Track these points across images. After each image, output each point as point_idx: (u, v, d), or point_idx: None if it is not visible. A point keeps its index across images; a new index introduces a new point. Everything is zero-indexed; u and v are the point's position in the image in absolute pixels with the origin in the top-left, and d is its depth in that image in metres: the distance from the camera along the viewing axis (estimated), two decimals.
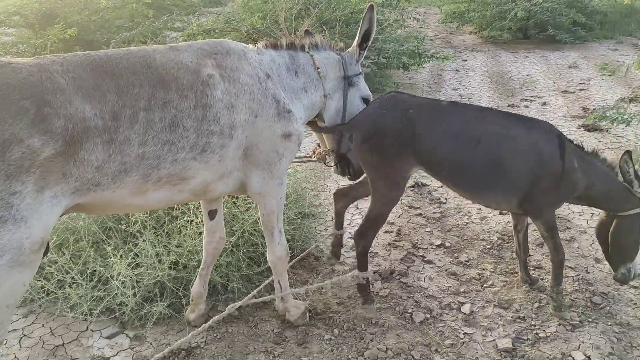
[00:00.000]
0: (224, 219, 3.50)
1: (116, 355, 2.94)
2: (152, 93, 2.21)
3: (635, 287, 3.41)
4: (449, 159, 2.91)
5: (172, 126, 2.25)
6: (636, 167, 2.95)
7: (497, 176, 2.90)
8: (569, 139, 2.98)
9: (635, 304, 3.25)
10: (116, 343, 3.03)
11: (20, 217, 1.89)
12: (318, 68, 2.91)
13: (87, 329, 3.11)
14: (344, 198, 3.49)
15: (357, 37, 3.00)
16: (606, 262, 3.63)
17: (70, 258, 3.24)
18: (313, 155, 3.34)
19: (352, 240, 3.45)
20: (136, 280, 3.16)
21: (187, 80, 2.33)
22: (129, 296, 3.10)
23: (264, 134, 2.57)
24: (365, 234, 3.06)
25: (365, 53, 3.07)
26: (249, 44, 2.80)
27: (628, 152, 2.83)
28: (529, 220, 3.30)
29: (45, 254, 2.10)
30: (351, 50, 3.08)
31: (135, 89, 2.17)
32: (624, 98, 7.48)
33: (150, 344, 3.01)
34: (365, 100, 3.13)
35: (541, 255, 3.79)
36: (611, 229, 3.01)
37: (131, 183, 2.21)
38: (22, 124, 1.88)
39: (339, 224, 3.55)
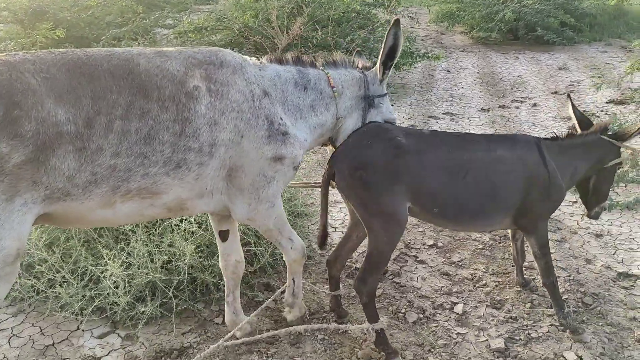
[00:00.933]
0: None
1: (107, 355, 2.91)
2: (131, 101, 2.07)
3: (625, 288, 3.44)
4: (442, 192, 2.73)
5: (147, 139, 2.11)
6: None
7: (490, 201, 2.81)
8: (543, 139, 3.01)
9: (626, 304, 3.27)
10: (107, 343, 3.00)
11: None
12: (333, 87, 2.71)
13: (78, 329, 3.08)
14: (336, 263, 3.14)
15: (380, 55, 2.77)
16: (597, 263, 3.68)
17: (60, 257, 3.21)
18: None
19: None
20: (128, 280, 3.13)
21: (170, 90, 2.18)
22: (121, 296, 3.07)
23: (249, 155, 2.39)
24: (367, 280, 2.72)
25: (390, 73, 2.86)
26: (252, 57, 2.65)
27: (603, 127, 3.06)
28: None
29: None
30: (375, 69, 2.86)
31: (113, 95, 2.04)
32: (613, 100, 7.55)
33: (142, 343, 2.98)
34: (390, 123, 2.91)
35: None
36: (592, 181, 3.15)
37: (100, 195, 2.09)
38: None
39: (335, 286, 3.17)
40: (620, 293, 3.39)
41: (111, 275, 3.11)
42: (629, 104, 7.34)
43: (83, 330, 3.07)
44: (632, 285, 3.47)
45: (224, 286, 3.25)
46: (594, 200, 3.19)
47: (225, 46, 7.73)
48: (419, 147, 2.72)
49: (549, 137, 3.07)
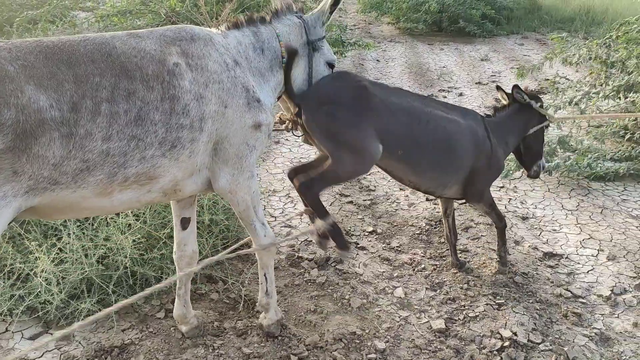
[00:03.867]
0: (156, 210, 3.37)
1: (41, 356, 2.76)
2: (115, 83, 2.02)
3: (551, 267, 3.67)
4: (406, 133, 2.95)
5: (138, 120, 2.06)
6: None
7: (448, 155, 3.11)
8: (483, 116, 3.40)
9: (552, 282, 3.49)
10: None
11: None
12: (283, 57, 2.69)
13: (7, 330, 2.89)
14: (301, 176, 3.04)
15: None
16: (525, 244, 3.90)
17: None
18: (283, 125, 3.01)
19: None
20: (61, 277, 2.97)
21: (152, 70, 2.14)
22: (54, 294, 2.91)
23: (234, 125, 2.40)
24: (313, 186, 2.80)
25: (332, 16, 2.84)
26: (212, 28, 2.59)
27: (516, 86, 3.42)
28: (455, 205, 3.59)
29: None
30: (317, 12, 2.84)
31: (95, 78, 1.98)
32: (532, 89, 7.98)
33: (79, 342, 2.85)
34: (331, 64, 2.91)
35: (467, 240, 3.98)
36: (522, 144, 3.50)
37: (95, 183, 2.03)
38: None
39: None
40: (546, 272, 3.62)
41: (42, 272, 2.93)
42: (545, 93, 7.80)
43: (12, 332, 2.88)
44: (556, 264, 3.71)
45: (164, 279, 3.16)
46: (529, 160, 3.53)
47: None
48: (385, 94, 2.94)
49: (486, 114, 3.49)
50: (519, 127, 3.44)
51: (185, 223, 2.75)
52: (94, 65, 2.01)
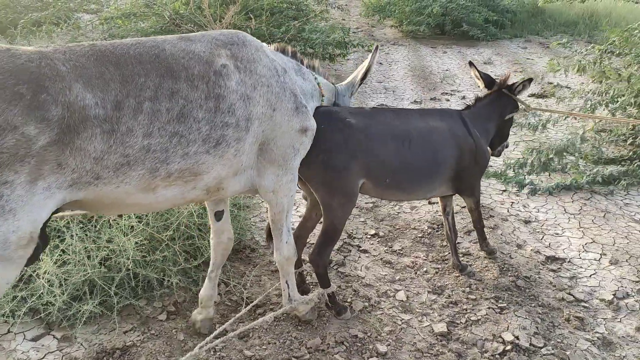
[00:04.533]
0: (158, 212, 3.38)
1: (43, 358, 2.76)
2: (159, 83, 2.12)
3: (553, 271, 3.67)
4: (392, 161, 3.01)
5: (180, 117, 2.15)
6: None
7: (433, 166, 3.17)
8: (463, 110, 3.52)
9: (555, 286, 3.49)
10: (42, 345, 2.84)
11: (9, 209, 1.79)
12: (323, 95, 2.97)
13: (9, 332, 2.89)
14: (298, 242, 3.21)
15: (360, 72, 3.14)
16: (527, 248, 3.90)
17: None
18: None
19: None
20: (63, 278, 2.98)
21: (198, 70, 2.24)
22: (56, 295, 2.91)
23: (282, 128, 2.51)
24: (322, 253, 2.96)
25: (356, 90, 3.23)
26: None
27: (470, 62, 3.74)
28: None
29: (44, 248, 2.00)
30: (348, 83, 3.21)
31: (140, 79, 2.08)
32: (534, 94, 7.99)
33: (81, 344, 2.85)
34: None
35: (469, 243, 3.97)
36: (496, 127, 3.63)
37: (137, 178, 2.10)
38: (16, 110, 1.78)
39: (298, 263, 3.31)
40: (549, 276, 3.61)
41: (44, 273, 2.94)
42: (549, 97, 7.80)
43: (15, 334, 2.89)
44: (559, 268, 3.70)
45: (168, 282, 3.17)
46: (497, 142, 3.73)
47: (155, 34, 7.46)
48: (366, 125, 2.98)
49: (464, 107, 3.60)
50: (497, 113, 3.59)
51: (219, 215, 2.88)
52: (140, 66, 2.11)
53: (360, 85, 3.20)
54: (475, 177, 3.43)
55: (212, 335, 2.59)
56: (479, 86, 3.72)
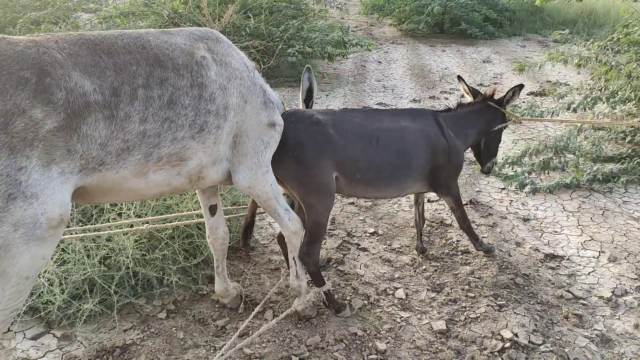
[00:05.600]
0: (158, 211, 3.39)
1: (43, 356, 2.77)
2: (150, 71, 2.22)
3: (552, 268, 3.67)
4: (361, 158, 3.07)
5: (170, 103, 2.26)
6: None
7: (401, 165, 3.20)
8: (439, 111, 3.53)
9: (553, 283, 3.49)
10: (42, 344, 2.85)
11: (30, 193, 1.88)
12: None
13: (9, 330, 2.90)
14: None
15: (301, 94, 3.34)
16: (526, 245, 3.90)
17: None
18: None
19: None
20: (63, 277, 2.98)
21: (182, 60, 2.34)
22: (56, 294, 2.92)
23: (252, 120, 2.62)
24: (311, 251, 2.97)
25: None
26: None
27: (459, 76, 3.71)
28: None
29: None
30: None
31: (132, 67, 2.17)
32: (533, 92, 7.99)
33: (81, 343, 2.86)
34: None
35: (468, 241, 3.97)
36: (483, 141, 3.67)
37: (134, 163, 2.20)
38: (23, 94, 1.85)
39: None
40: (548, 273, 3.61)
41: (45, 272, 2.94)
42: (547, 95, 7.80)
43: (15, 332, 2.89)
44: (558, 266, 3.71)
45: (167, 280, 3.18)
46: (486, 157, 3.73)
47: None
48: (335, 122, 3.06)
49: (443, 109, 3.59)
50: (481, 122, 3.58)
51: (213, 210, 2.99)
52: (130, 55, 2.20)
53: (310, 106, 3.35)
54: (450, 176, 3.41)
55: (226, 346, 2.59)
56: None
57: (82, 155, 2.03)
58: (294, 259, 3.00)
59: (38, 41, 2.01)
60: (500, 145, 3.80)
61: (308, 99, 3.33)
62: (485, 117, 3.58)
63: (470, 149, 3.75)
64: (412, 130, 3.24)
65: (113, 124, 2.09)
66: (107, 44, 2.17)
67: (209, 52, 2.48)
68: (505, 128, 3.69)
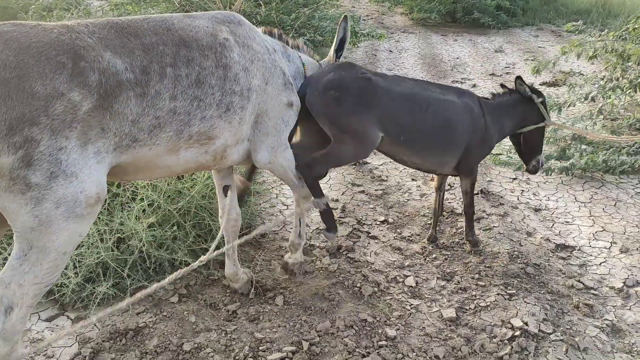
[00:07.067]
0: (169, 195, 3.41)
1: (58, 338, 2.80)
2: (176, 51, 2.29)
3: (563, 259, 3.66)
4: (408, 120, 3.14)
5: (198, 82, 2.33)
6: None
7: (446, 136, 3.28)
8: (482, 97, 3.54)
9: (564, 273, 3.49)
10: (57, 325, 2.90)
11: (70, 172, 1.96)
12: (307, 71, 3.11)
13: None
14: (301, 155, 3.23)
15: (334, 44, 3.25)
16: (537, 235, 3.89)
17: (2, 238, 3.03)
18: None
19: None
20: (77, 260, 3.02)
21: (206, 41, 2.41)
22: (70, 277, 2.96)
23: (273, 101, 2.69)
24: (315, 167, 2.98)
25: (339, 60, 3.29)
26: None
27: (519, 77, 3.51)
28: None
29: None
30: (328, 59, 3.32)
31: (159, 47, 2.25)
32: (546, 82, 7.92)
33: (95, 325, 2.89)
34: None
35: (478, 230, 3.97)
36: (522, 137, 3.63)
37: (166, 139, 2.29)
38: (62, 78, 1.94)
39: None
40: (558, 263, 3.61)
41: None
42: (560, 85, 7.73)
43: (30, 314, 2.93)
44: (569, 256, 3.70)
45: (178, 264, 3.21)
46: (527, 155, 3.66)
47: None
48: (386, 84, 3.12)
49: (484, 97, 3.61)
50: (516, 116, 3.55)
51: (226, 190, 3.03)
52: (157, 36, 2.28)
53: (338, 57, 3.29)
54: (477, 157, 3.48)
55: None
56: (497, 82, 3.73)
57: (116, 132, 2.10)
58: (299, 219, 3.17)
59: (69, 26, 2.09)
60: (543, 142, 3.72)
61: (339, 49, 3.30)
62: (519, 109, 3.54)
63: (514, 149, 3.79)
64: (459, 105, 3.31)
65: (144, 101, 2.16)
66: (133, 27, 2.25)
67: (232, 35, 2.54)
68: (542, 127, 3.59)
